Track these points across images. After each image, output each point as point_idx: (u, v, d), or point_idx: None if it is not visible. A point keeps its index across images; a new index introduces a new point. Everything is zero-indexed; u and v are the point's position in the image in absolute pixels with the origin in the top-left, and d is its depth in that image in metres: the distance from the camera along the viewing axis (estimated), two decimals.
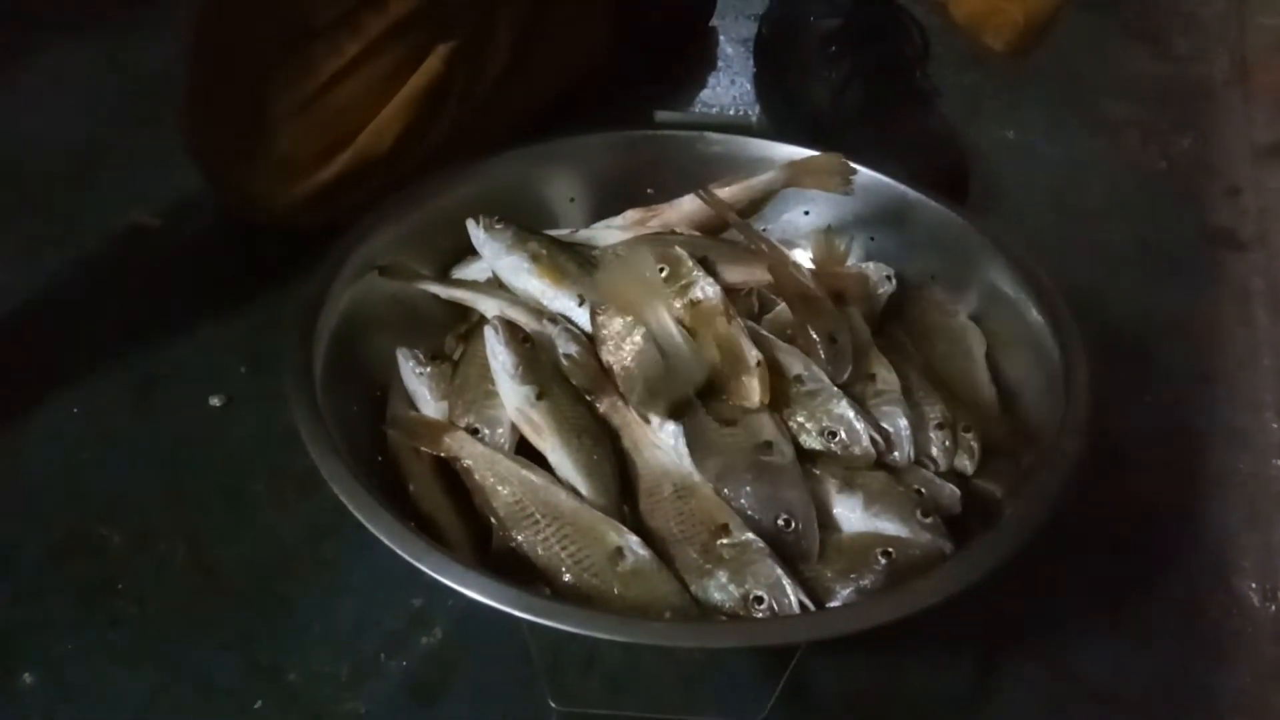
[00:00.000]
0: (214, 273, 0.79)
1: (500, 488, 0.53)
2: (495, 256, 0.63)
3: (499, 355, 0.56)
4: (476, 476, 0.54)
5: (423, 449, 0.56)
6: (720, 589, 0.50)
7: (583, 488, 0.54)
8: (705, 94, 1.01)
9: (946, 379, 0.62)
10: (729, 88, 1.02)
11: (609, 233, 0.69)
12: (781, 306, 0.64)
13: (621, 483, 0.55)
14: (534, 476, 0.53)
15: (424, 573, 0.47)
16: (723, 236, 0.68)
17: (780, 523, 0.52)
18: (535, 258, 0.63)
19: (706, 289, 0.60)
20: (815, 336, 0.59)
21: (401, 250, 0.65)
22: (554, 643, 0.55)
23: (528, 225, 0.66)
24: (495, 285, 0.65)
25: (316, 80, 0.72)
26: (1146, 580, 0.61)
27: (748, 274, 0.65)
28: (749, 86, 1.01)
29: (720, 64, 1.05)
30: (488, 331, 0.57)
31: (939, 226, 0.68)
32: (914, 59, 0.91)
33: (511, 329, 0.57)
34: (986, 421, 0.60)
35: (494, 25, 0.80)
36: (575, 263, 0.63)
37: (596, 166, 0.73)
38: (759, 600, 0.49)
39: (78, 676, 0.55)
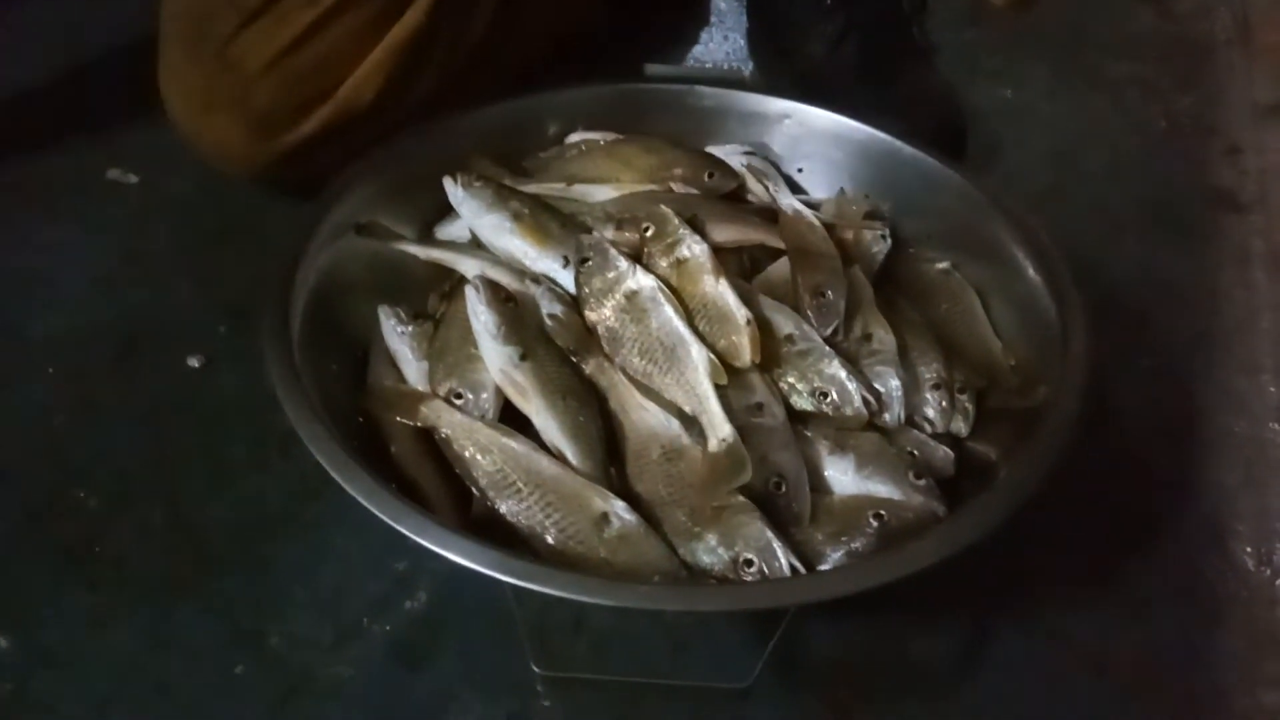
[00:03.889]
0: (193, 231, 0.77)
1: (480, 457, 0.52)
2: (475, 215, 0.61)
3: (481, 315, 0.55)
4: (455, 447, 0.52)
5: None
6: (709, 552, 0.49)
7: (568, 451, 0.52)
8: (697, 49, 0.99)
9: (951, 339, 0.61)
10: (722, 43, 1.00)
11: (601, 189, 0.67)
12: (773, 266, 0.63)
13: (609, 445, 0.54)
14: (515, 444, 0.52)
15: (406, 536, 0.45)
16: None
17: (771, 485, 0.51)
18: (517, 217, 0.61)
19: (693, 247, 0.58)
20: (803, 290, 0.57)
21: (383, 207, 0.64)
22: (539, 607, 0.54)
23: (509, 182, 0.64)
24: (477, 245, 0.63)
25: (292, 32, 0.70)
26: (1142, 544, 0.60)
27: (738, 233, 0.63)
28: (742, 42, 0.99)
29: (713, 19, 1.02)
30: (469, 291, 0.55)
31: (936, 184, 0.66)
32: (911, 14, 0.89)
33: (493, 288, 0.55)
34: (1000, 379, 0.59)
35: None
36: (558, 222, 0.61)
37: (585, 120, 0.72)
38: (749, 563, 0.48)
39: (55, 641, 0.54)
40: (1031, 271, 0.59)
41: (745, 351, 0.55)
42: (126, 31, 0.93)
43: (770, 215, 0.66)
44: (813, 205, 0.68)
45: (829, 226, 0.65)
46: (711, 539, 0.49)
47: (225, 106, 0.72)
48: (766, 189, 0.68)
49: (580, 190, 0.67)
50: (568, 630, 0.54)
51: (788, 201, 0.66)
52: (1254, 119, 0.93)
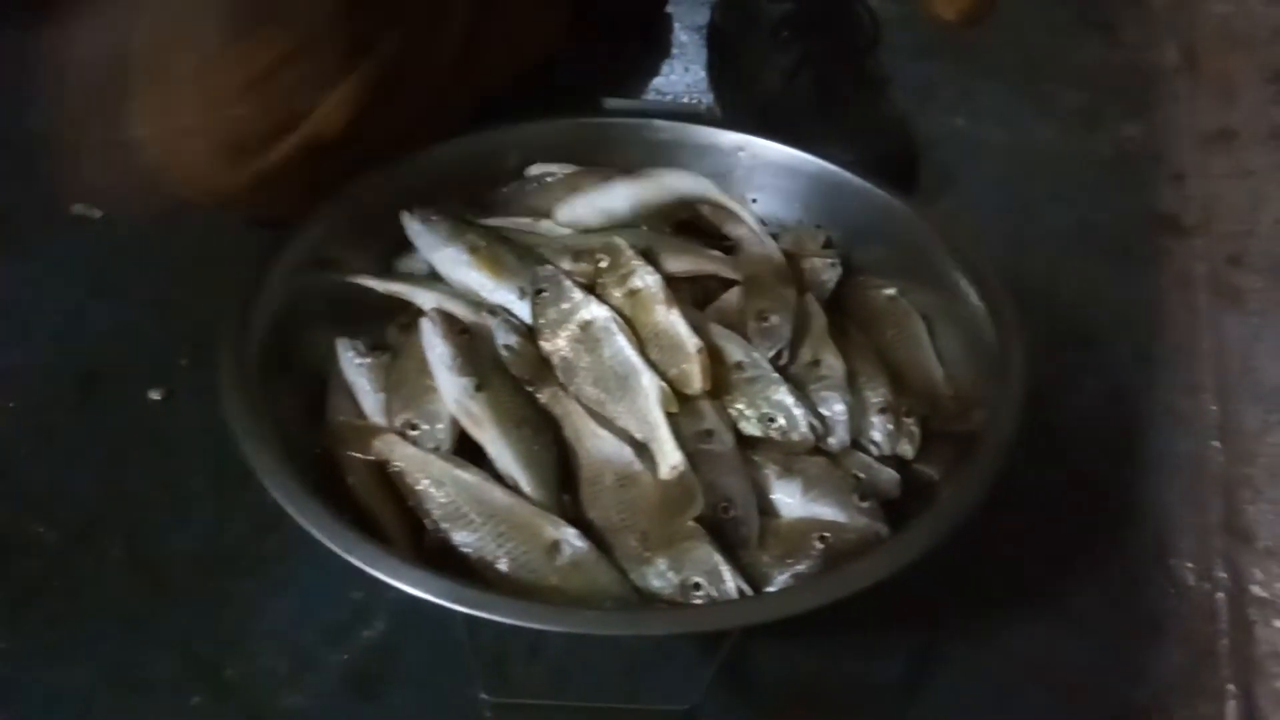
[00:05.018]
0: (156, 265, 0.78)
1: (433, 490, 0.52)
2: (431, 249, 0.63)
3: (436, 347, 0.56)
4: (408, 479, 0.53)
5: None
6: (659, 576, 0.50)
7: (522, 479, 0.53)
8: (659, 81, 1.01)
9: (895, 364, 0.63)
10: (683, 75, 1.02)
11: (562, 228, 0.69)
12: (726, 294, 0.64)
13: (563, 473, 0.55)
14: (467, 475, 0.53)
15: (358, 567, 0.46)
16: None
17: (720, 509, 0.52)
18: (473, 250, 0.62)
19: (646, 278, 0.60)
20: (749, 316, 0.59)
21: (342, 242, 0.65)
22: (494, 635, 0.55)
23: (466, 215, 0.65)
24: (436, 278, 0.64)
25: (262, 62, 0.71)
26: (1085, 560, 0.62)
27: (691, 264, 0.65)
28: (703, 73, 1.01)
29: (675, 51, 1.04)
30: (424, 324, 0.57)
31: (883, 213, 0.68)
32: (865, 46, 0.92)
33: (449, 320, 0.57)
34: (939, 405, 0.60)
35: (446, 11, 0.79)
36: (515, 255, 0.63)
37: (544, 153, 0.73)
38: (697, 587, 0.49)
39: (11, 676, 0.54)
40: (974, 297, 0.61)
41: (695, 379, 0.56)
42: (91, 64, 0.94)
43: (727, 245, 0.68)
44: (773, 235, 0.70)
45: (788, 256, 0.67)
46: (661, 563, 0.50)
47: (193, 133, 0.73)
48: (745, 221, 0.69)
49: (548, 225, 0.68)
50: (523, 657, 0.55)
51: (750, 231, 0.68)
52: (1199, 145, 0.96)
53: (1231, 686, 0.56)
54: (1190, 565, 0.62)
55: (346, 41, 0.73)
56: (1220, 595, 0.61)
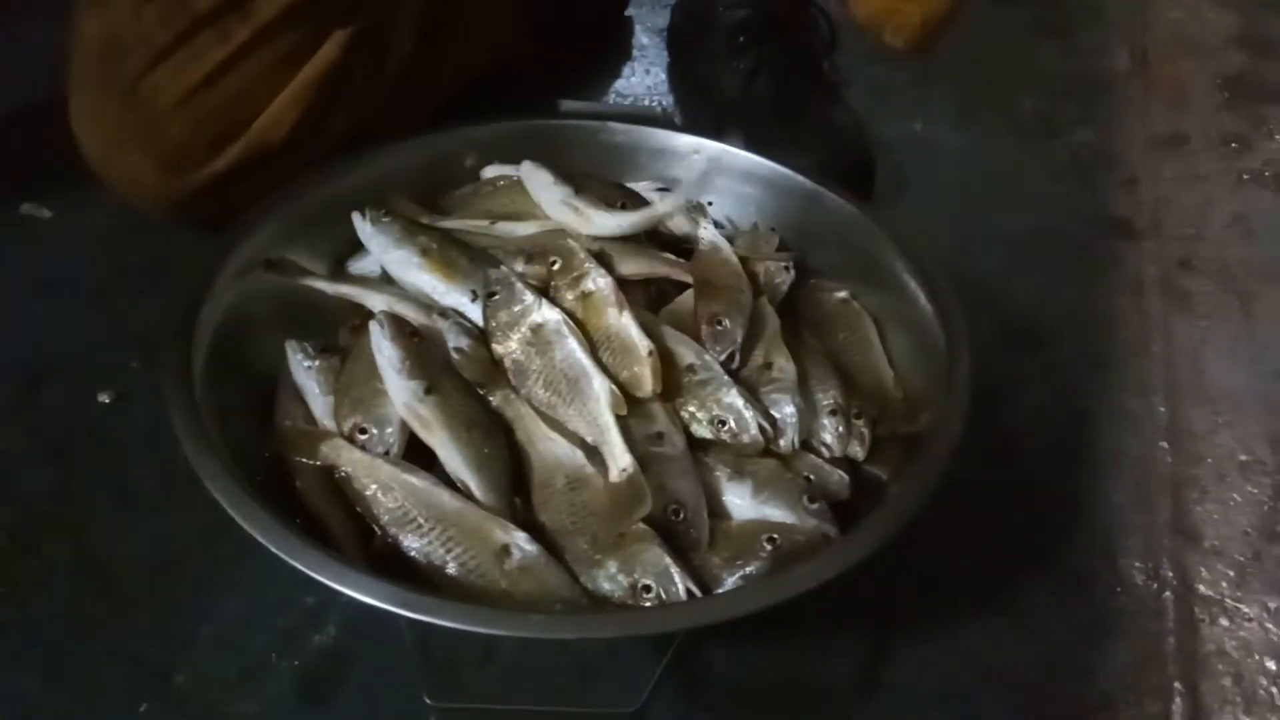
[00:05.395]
0: (107, 266, 0.77)
1: (381, 495, 0.52)
2: (383, 250, 0.63)
3: (385, 350, 0.55)
4: (356, 485, 0.53)
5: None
6: (609, 579, 0.50)
7: (472, 483, 0.53)
8: (619, 84, 1.01)
9: (846, 367, 0.63)
10: (643, 78, 1.02)
11: (523, 226, 0.68)
12: (680, 297, 0.65)
13: (515, 476, 0.55)
14: (416, 480, 0.52)
15: (302, 571, 0.46)
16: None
17: (670, 512, 0.52)
18: (425, 252, 0.62)
19: (598, 280, 0.60)
20: (701, 319, 0.59)
21: (294, 242, 0.64)
22: (441, 639, 0.54)
23: (419, 217, 0.65)
24: (388, 280, 0.64)
25: (204, 68, 0.70)
26: (1035, 560, 0.63)
27: (645, 267, 0.65)
28: (663, 76, 1.01)
29: (635, 54, 1.05)
30: (373, 326, 0.56)
31: (835, 217, 0.69)
32: (822, 50, 0.92)
33: (398, 323, 0.56)
34: (889, 407, 0.61)
35: (396, 13, 0.79)
36: (467, 257, 0.63)
37: (500, 155, 0.73)
38: (647, 589, 0.49)
39: None
40: (924, 300, 0.62)
41: (646, 382, 0.56)
42: (41, 65, 0.92)
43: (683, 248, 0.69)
44: (729, 239, 0.70)
45: (742, 260, 0.67)
46: (612, 566, 0.50)
47: (137, 142, 0.72)
48: (696, 222, 0.70)
49: (504, 228, 0.68)
50: (473, 662, 0.55)
51: (706, 234, 0.68)
52: (1150, 149, 0.97)
53: (1178, 685, 0.57)
54: (1138, 564, 0.63)
55: (290, 46, 0.73)
56: (1167, 594, 0.62)
